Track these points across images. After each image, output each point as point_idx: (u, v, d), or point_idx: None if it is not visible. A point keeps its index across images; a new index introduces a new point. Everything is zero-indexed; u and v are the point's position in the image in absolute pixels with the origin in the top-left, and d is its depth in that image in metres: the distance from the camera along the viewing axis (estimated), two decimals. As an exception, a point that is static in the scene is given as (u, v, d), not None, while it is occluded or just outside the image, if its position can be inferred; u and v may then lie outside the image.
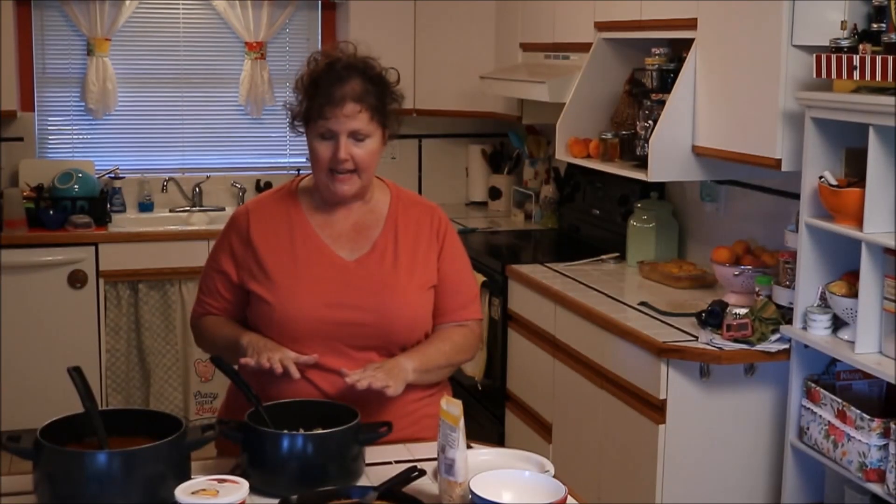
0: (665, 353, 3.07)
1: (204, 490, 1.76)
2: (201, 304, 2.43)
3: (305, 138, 2.30)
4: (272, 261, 2.30)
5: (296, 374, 2.19)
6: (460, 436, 1.85)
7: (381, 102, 2.27)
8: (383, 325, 2.28)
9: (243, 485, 1.79)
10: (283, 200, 2.38)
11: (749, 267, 3.41)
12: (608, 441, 3.43)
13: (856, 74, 2.68)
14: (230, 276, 2.35)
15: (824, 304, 2.93)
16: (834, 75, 2.76)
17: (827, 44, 2.82)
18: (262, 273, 2.30)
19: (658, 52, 3.69)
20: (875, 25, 2.72)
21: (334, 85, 2.22)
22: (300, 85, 2.29)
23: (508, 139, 5.56)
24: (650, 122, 3.62)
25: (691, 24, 3.44)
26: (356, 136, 2.24)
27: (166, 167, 5.45)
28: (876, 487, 2.70)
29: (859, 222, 2.72)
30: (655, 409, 3.14)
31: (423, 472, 1.95)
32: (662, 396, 3.11)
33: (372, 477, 2.05)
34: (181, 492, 1.75)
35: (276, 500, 1.89)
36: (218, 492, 1.75)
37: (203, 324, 2.43)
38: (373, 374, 2.17)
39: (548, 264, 4.17)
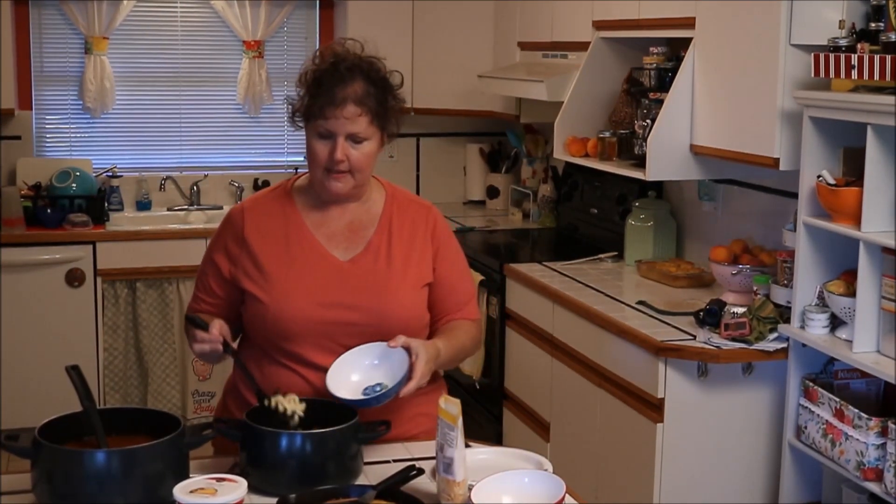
0: (663, 352, 3.07)
1: (202, 489, 1.76)
2: (196, 301, 2.44)
3: (304, 134, 2.30)
4: (267, 259, 2.31)
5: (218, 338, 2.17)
6: (458, 435, 1.85)
7: (381, 106, 2.27)
8: (377, 324, 2.28)
9: (242, 484, 1.79)
10: (278, 199, 2.38)
11: (747, 266, 3.41)
12: (606, 440, 3.43)
13: (854, 74, 2.68)
14: (224, 273, 2.36)
15: (822, 303, 2.94)
16: (832, 74, 2.76)
17: (825, 43, 2.82)
18: (257, 271, 2.30)
19: (656, 51, 3.69)
20: (873, 25, 2.72)
21: (337, 85, 2.22)
22: (303, 80, 2.29)
23: (506, 138, 5.56)
24: (648, 121, 3.62)
25: (689, 23, 3.44)
26: (354, 139, 2.24)
27: (164, 166, 5.44)
28: (874, 486, 2.70)
29: (857, 221, 2.72)
30: (653, 407, 3.14)
31: (421, 471, 1.95)
32: (660, 395, 3.11)
33: (370, 476, 2.05)
34: (179, 490, 1.75)
35: (275, 499, 1.89)
36: (216, 490, 1.75)
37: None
38: (422, 374, 2.15)
39: (546, 263, 4.17)
